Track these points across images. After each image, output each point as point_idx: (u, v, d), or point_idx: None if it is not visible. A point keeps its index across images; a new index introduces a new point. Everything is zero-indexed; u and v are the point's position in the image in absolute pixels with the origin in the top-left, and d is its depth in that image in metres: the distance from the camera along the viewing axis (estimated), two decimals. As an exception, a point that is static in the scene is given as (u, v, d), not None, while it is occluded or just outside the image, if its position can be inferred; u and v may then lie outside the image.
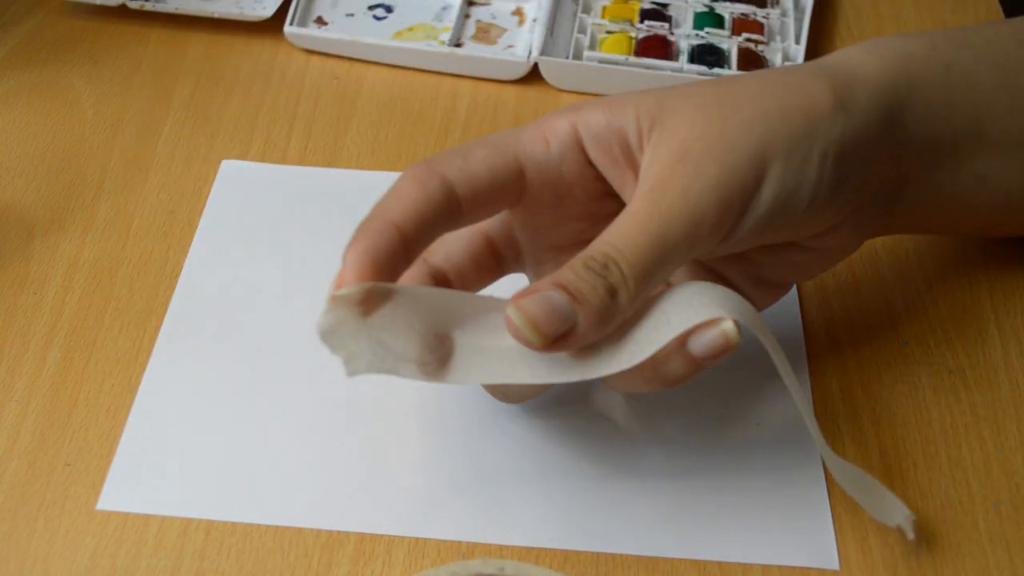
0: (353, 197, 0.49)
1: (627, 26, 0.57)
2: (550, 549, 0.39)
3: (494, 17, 0.59)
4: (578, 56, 0.56)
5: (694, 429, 0.43)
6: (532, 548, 0.39)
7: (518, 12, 0.59)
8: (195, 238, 0.49)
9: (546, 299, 0.35)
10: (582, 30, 0.57)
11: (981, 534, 0.40)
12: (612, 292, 0.36)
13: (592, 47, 0.56)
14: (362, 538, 0.40)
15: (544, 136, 0.39)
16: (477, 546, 0.39)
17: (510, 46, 0.57)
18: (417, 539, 0.40)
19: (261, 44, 0.58)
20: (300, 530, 0.40)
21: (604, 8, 0.58)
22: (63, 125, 0.54)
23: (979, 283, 0.48)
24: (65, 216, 0.49)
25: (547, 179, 0.39)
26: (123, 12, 0.58)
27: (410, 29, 0.58)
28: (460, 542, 0.39)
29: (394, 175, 0.40)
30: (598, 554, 0.39)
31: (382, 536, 0.40)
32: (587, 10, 0.58)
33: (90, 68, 0.56)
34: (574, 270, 0.36)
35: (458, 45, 0.57)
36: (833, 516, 0.41)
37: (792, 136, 0.38)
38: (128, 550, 0.39)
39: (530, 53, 0.56)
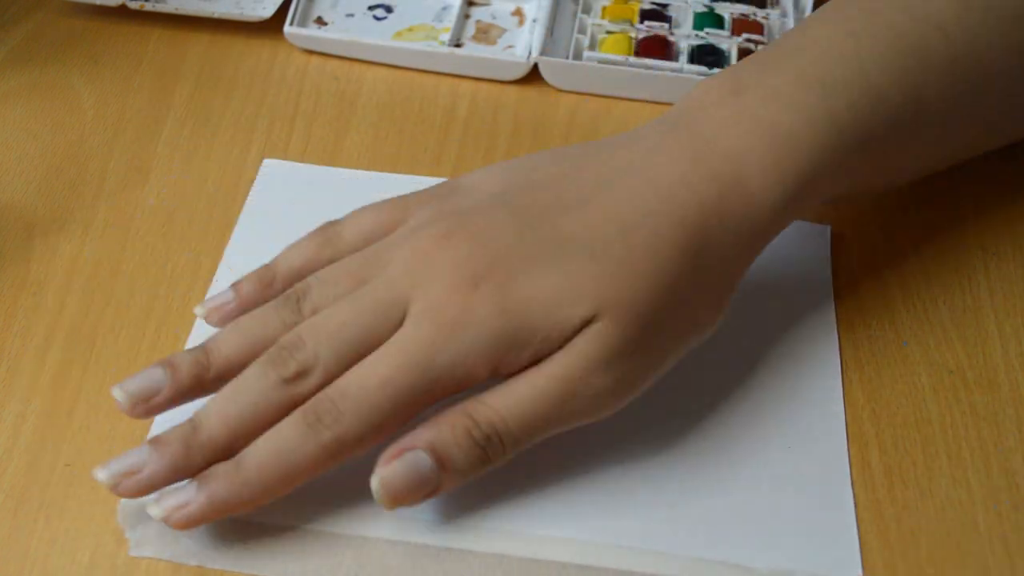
0: None
1: (627, 26, 0.57)
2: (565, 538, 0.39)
3: (494, 17, 0.59)
4: (578, 56, 0.56)
5: (713, 429, 0.43)
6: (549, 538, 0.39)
7: (518, 12, 0.59)
8: (232, 236, 0.48)
9: (413, 466, 0.35)
10: (582, 30, 0.57)
11: (981, 534, 0.40)
12: (485, 461, 0.36)
13: (592, 47, 0.56)
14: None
15: None
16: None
17: (510, 46, 0.57)
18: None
19: (261, 44, 0.58)
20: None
21: (604, 8, 0.58)
22: (63, 125, 0.53)
23: (979, 283, 0.48)
24: (65, 216, 0.49)
25: None
26: (123, 12, 0.58)
27: (410, 29, 0.58)
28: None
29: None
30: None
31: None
32: (587, 10, 0.58)
33: (90, 68, 0.56)
34: (455, 436, 0.36)
35: (458, 45, 0.57)
36: (858, 522, 0.40)
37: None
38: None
39: (530, 53, 0.56)
